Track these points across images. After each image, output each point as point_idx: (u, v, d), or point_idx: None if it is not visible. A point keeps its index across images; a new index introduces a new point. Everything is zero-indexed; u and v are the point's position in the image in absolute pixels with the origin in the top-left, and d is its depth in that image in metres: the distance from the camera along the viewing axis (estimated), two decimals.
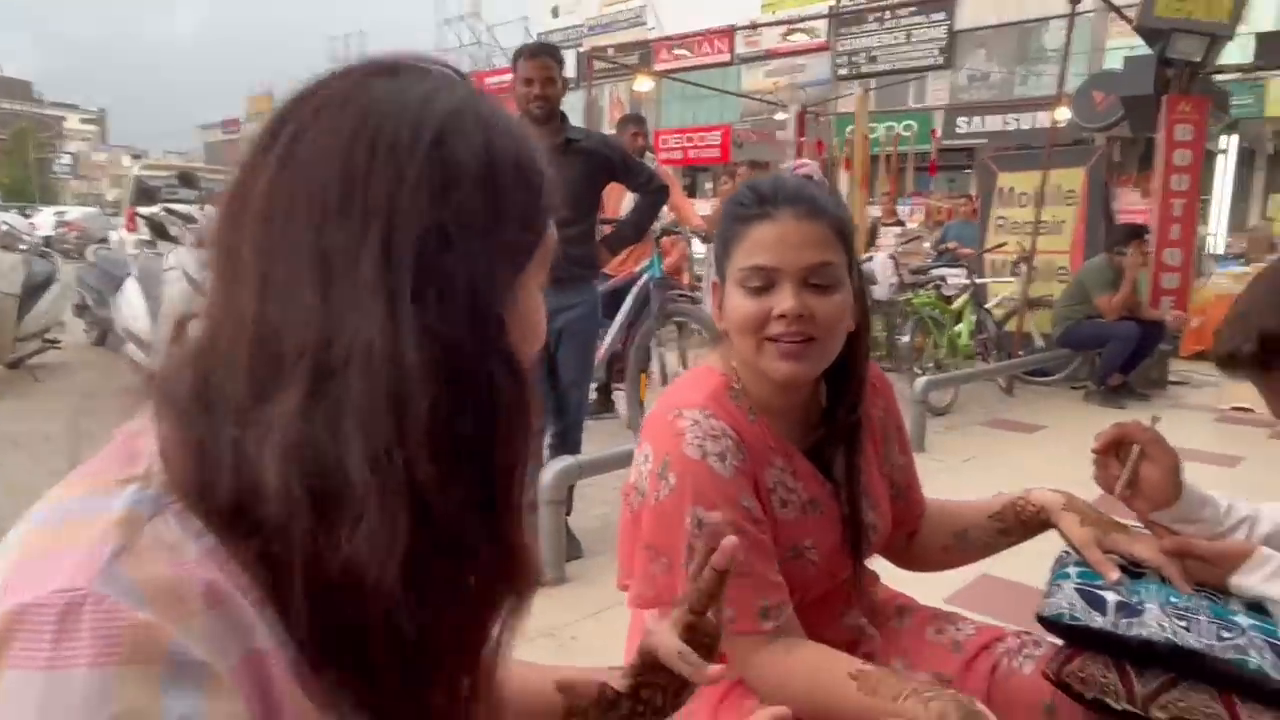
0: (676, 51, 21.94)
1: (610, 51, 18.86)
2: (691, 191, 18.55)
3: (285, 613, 0.43)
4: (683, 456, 0.97)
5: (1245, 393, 5.14)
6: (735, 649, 0.96)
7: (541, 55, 2.68)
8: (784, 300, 0.97)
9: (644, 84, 12.97)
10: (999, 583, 2.45)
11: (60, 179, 46.29)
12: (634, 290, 4.41)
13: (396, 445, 0.42)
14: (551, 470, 2.66)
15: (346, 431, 0.42)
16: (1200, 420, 5.19)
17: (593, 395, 4.70)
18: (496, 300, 0.47)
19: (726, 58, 21.66)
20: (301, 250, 0.43)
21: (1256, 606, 0.98)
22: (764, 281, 0.99)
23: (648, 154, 4.97)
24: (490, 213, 0.46)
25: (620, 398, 4.60)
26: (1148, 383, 5.87)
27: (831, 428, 1.07)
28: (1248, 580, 0.98)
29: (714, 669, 0.69)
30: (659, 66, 20.15)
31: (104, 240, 9.85)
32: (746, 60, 21.45)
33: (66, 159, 48.12)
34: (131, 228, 8.10)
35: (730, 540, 0.69)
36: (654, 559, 1.00)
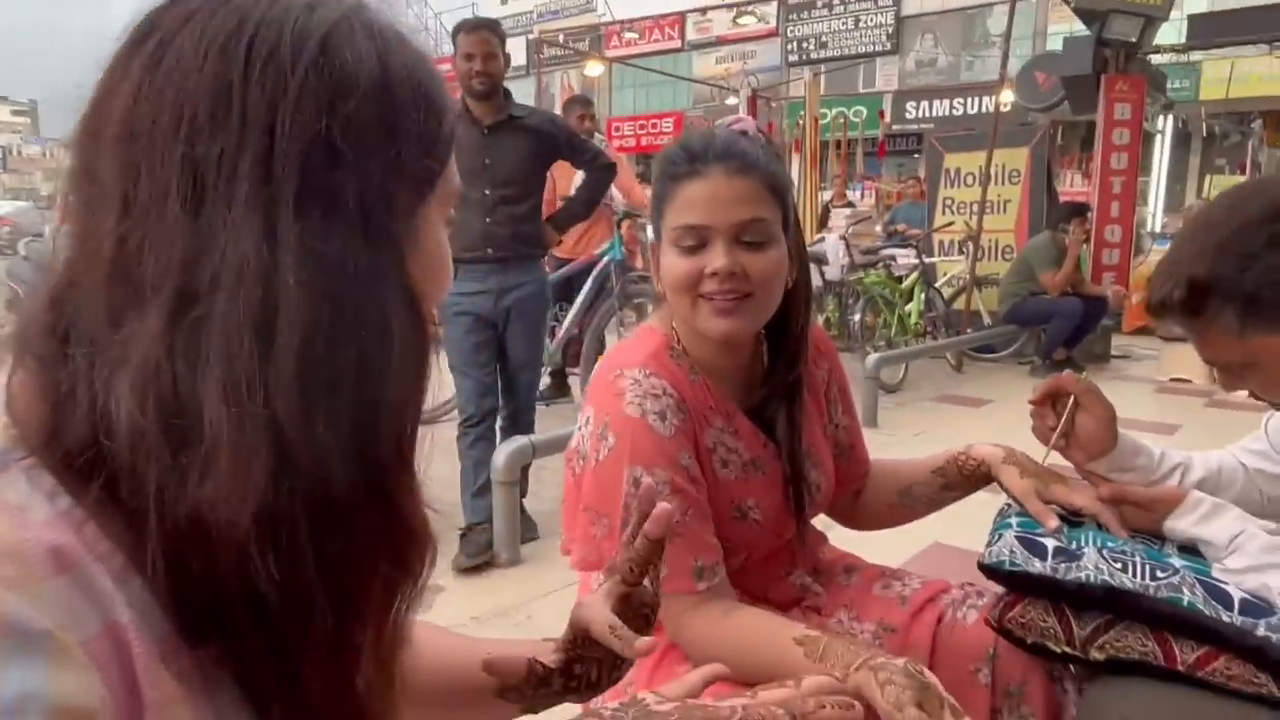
0: (627, 37, 21.84)
1: (560, 37, 18.70)
2: (646, 178, 18.54)
3: (150, 577, 0.39)
4: (622, 415, 0.96)
5: (1184, 365, 5.32)
6: (667, 608, 0.93)
7: (482, 29, 2.63)
8: (716, 258, 0.96)
9: (594, 69, 12.90)
10: (950, 549, 2.49)
11: None
12: (594, 272, 4.39)
13: (259, 376, 0.38)
14: (505, 451, 2.63)
15: (207, 359, 0.38)
16: (1141, 391, 5.34)
17: (547, 380, 4.68)
18: (393, 224, 0.43)
19: (677, 44, 21.62)
20: (169, 164, 0.39)
21: (1189, 549, 1.00)
22: (696, 240, 0.97)
23: (596, 136, 4.93)
24: (385, 129, 0.42)
25: (576, 382, 4.57)
26: (1091, 357, 6.02)
27: (772, 385, 1.07)
28: (1180, 524, 1.00)
29: (645, 641, 0.64)
30: (610, 53, 20.05)
31: (39, 235, 9.50)
32: (697, 46, 21.43)
33: None
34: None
35: (664, 507, 0.66)
36: (594, 521, 0.99)
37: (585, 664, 0.70)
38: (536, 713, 0.73)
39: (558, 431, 2.86)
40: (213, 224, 0.39)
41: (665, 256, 1.01)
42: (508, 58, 2.69)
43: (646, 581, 0.69)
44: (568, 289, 4.73)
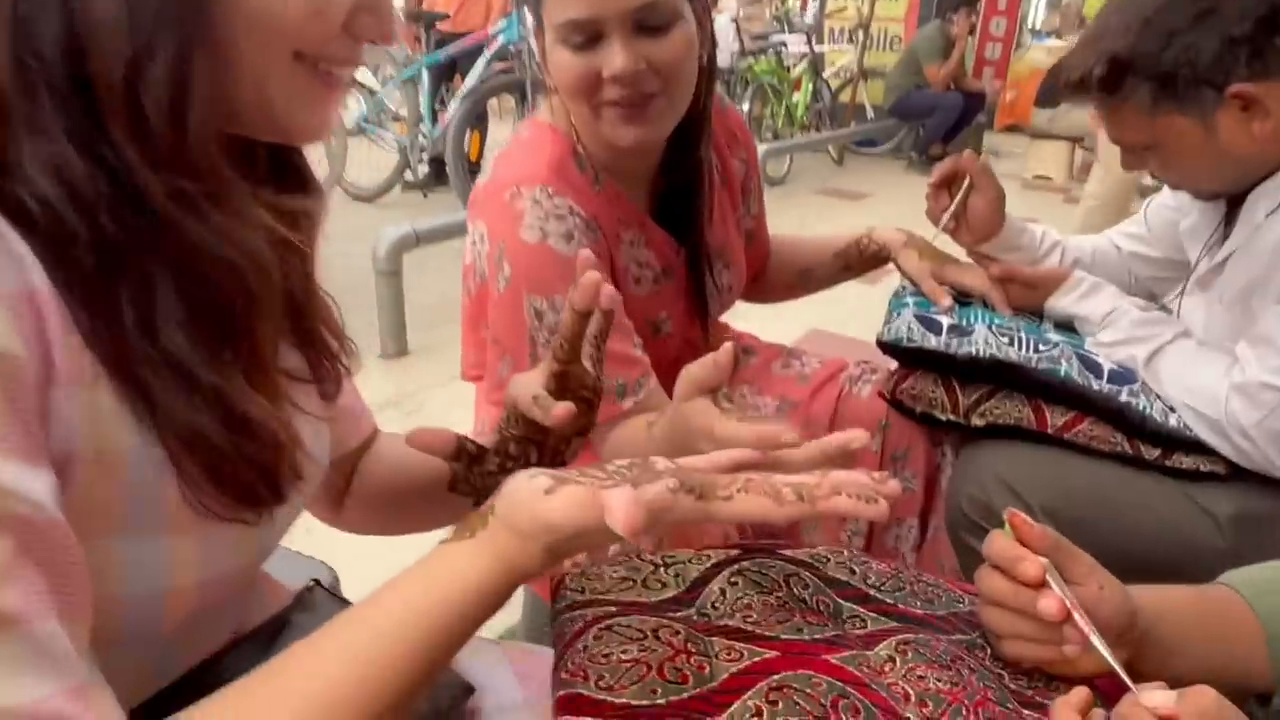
0: None
1: None
2: None
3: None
4: (519, 243, 0.86)
5: (1046, 163, 5.56)
6: (596, 437, 0.86)
7: None
8: (614, 58, 0.82)
9: None
10: (828, 335, 2.61)
11: None
12: (485, 54, 4.06)
13: None
14: (386, 240, 2.51)
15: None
16: (1008, 187, 5.37)
17: (426, 168, 4.43)
18: None
19: None
20: None
21: (1066, 326, 1.07)
22: (587, 35, 0.82)
23: None
24: None
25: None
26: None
27: (674, 176, 0.98)
28: (1061, 302, 1.06)
29: (561, 407, 0.57)
30: None
31: None
32: None
33: None
34: None
35: (592, 275, 0.57)
36: (500, 356, 0.93)
37: (521, 444, 0.66)
38: (481, 501, 0.69)
39: (440, 220, 2.74)
40: None
41: (553, 54, 0.86)
42: None
43: (588, 364, 0.63)
44: (450, 70, 4.39)
